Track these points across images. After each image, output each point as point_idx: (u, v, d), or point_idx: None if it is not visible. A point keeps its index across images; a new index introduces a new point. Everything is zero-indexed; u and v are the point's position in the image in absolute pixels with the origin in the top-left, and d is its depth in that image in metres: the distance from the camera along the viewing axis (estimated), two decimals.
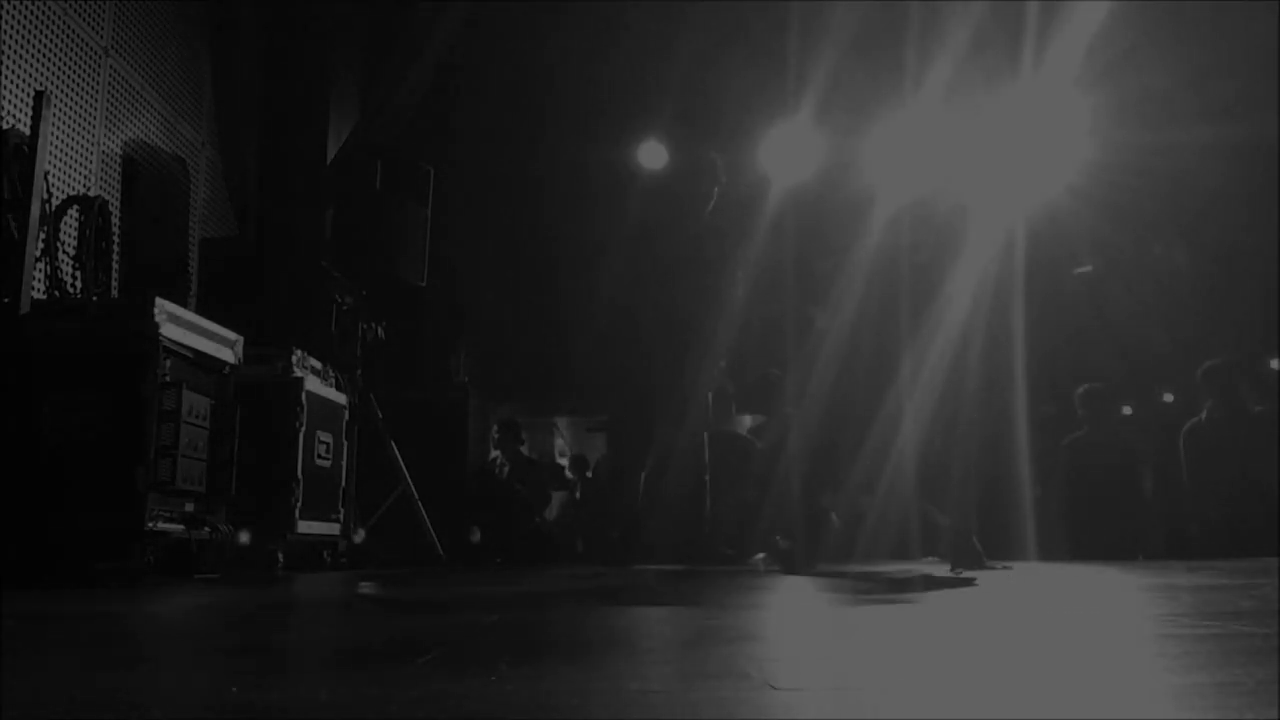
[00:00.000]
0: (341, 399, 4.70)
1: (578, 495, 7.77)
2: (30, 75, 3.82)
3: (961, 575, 3.69)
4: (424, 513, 5.11)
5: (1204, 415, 5.85)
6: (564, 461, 8.38)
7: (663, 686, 1.13)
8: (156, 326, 3.21)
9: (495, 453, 6.94)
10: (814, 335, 5.16)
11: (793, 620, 2.12)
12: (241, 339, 3.77)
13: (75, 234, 3.94)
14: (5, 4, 3.67)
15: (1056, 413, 6.77)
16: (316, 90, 6.12)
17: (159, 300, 3.25)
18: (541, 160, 7.43)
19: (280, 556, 4.04)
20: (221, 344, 3.64)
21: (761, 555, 6.38)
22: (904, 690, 1.12)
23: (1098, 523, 5.95)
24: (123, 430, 3.12)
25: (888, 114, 6.86)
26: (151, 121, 4.87)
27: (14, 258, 3.27)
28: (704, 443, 4.94)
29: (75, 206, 3.97)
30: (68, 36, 4.11)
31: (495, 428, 6.99)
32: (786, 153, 7.24)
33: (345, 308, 5.17)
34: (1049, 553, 5.66)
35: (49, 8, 3.97)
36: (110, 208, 4.17)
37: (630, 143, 6.86)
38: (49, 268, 3.73)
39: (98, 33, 4.35)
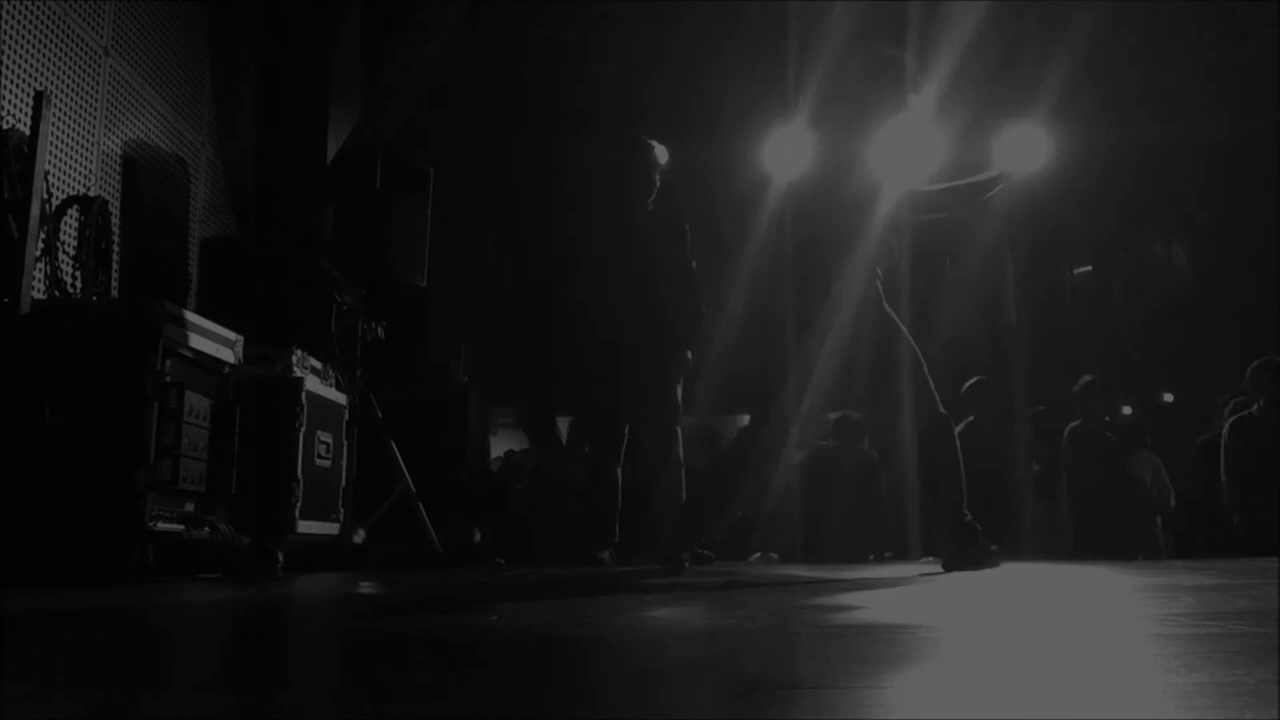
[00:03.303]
0: (341, 399, 4.70)
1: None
2: (30, 75, 3.82)
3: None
4: (424, 513, 5.11)
5: (1255, 409, 5.87)
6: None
7: (663, 686, 1.13)
8: (156, 326, 3.21)
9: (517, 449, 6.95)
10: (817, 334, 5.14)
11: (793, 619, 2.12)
12: (241, 339, 3.77)
13: (75, 234, 3.94)
14: (5, 4, 3.67)
15: (1047, 410, 6.79)
16: (316, 90, 6.11)
17: (159, 300, 3.25)
18: (542, 160, 7.43)
19: (280, 556, 4.03)
20: (221, 344, 3.64)
21: (758, 555, 6.37)
22: (904, 690, 1.12)
23: (1100, 518, 5.96)
24: (123, 430, 3.12)
25: (885, 113, 6.84)
26: (151, 121, 4.87)
27: (14, 258, 3.27)
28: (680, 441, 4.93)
29: (75, 206, 3.97)
30: (68, 36, 4.11)
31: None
32: (784, 152, 7.25)
33: (345, 308, 5.17)
34: (1049, 552, 5.66)
35: (49, 8, 3.97)
36: (110, 208, 4.17)
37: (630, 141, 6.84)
38: (49, 268, 3.73)
39: (98, 33, 4.35)
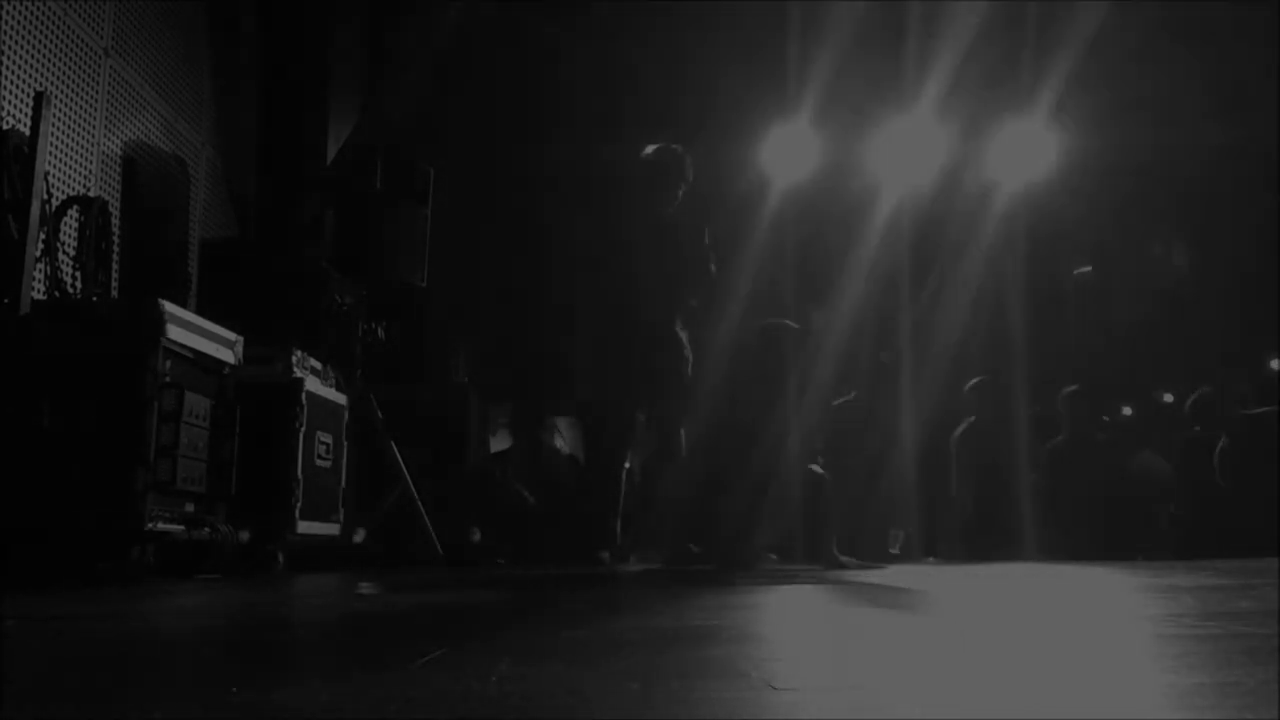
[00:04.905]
0: (341, 399, 4.70)
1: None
2: (30, 75, 3.82)
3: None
4: (424, 512, 5.10)
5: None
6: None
7: (662, 686, 1.13)
8: (156, 326, 3.21)
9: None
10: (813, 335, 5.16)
11: (793, 620, 2.12)
12: (241, 339, 3.77)
13: (75, 234, 3.94)
14: (5, 4, 3.67)
15: (1047, 413, 6.79)
16: (316, 90, 6.11)
17: (159, 300, 3.25)
18: (543, 160, 7.43)
19: (280, 556, 4.03)
20: (221, 344, 3.64)
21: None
22: (904, 690, 1.12)
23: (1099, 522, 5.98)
24: (123, 430, 3.12)
25: (887, 115, 6.86)
26: (151, 121, 4.87)
27: (14, 258, 3.27)
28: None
29: (75, 206, 3.97)
30: (68, 36, 4.11)
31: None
32: (786, 153, 7.26)
33: (345, 308, 5.16)
34: (1049, 552, 5.66)
35: (49, 8, 3.97)
36: (110, 208, 4.17)
37: (630, 143, 6.84)
38: (49, 268, 3.73)
39: (98, 33, 4.35)
